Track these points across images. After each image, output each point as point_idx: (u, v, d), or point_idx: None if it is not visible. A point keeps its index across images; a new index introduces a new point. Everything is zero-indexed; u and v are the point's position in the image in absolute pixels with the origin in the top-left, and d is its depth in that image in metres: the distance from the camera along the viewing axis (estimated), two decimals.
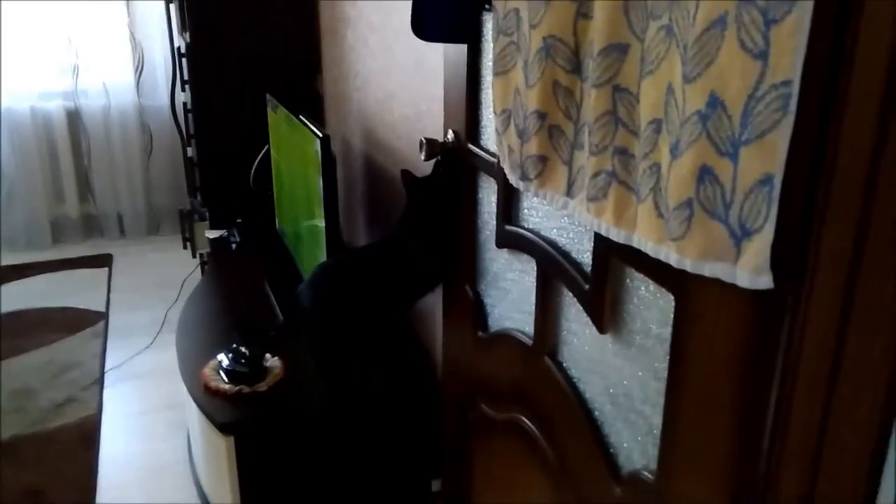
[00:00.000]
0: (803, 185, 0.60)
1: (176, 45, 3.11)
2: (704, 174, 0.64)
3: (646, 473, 0.89)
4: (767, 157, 0.59)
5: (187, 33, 2.84)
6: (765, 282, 0.62)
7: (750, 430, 0.69)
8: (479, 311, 1.39)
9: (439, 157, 1.47)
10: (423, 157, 1.47)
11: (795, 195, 0.60)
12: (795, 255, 0.61)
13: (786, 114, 0.58)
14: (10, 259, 3.62)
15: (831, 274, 0.61)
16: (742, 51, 0.59)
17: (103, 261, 3.64)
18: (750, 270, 0.62)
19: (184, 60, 2.94)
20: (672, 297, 0.80)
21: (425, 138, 1.44)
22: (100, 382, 2.59)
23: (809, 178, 0.60)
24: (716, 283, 0.66)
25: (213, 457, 1.87)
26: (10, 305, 3.13)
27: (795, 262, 0.62)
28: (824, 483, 0.66)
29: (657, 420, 0.86)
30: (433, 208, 1.55)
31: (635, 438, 0.93)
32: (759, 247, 0.61)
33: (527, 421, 1.21)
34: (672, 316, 0.80)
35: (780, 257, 0.61)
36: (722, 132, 0.62)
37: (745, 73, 0.59)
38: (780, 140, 0.58)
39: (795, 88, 0.57)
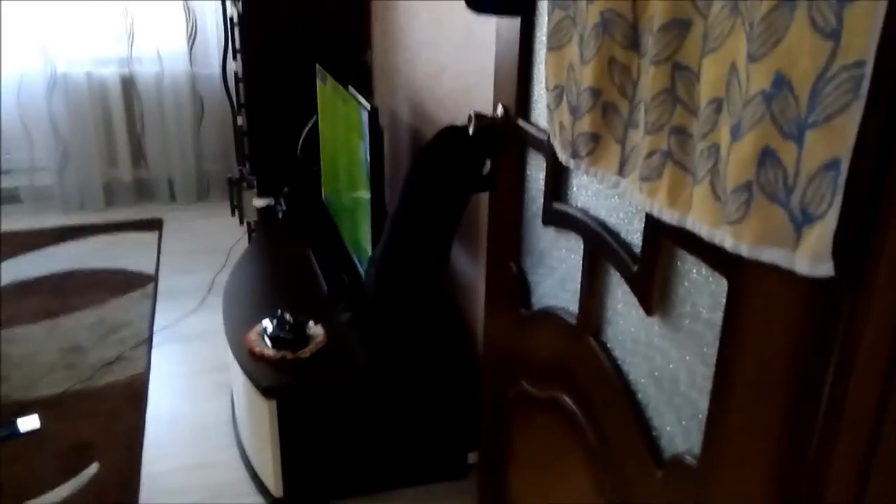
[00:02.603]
0: (870, 171, 0.58)
1: (228, 14, 3.13)
2: (766, 157, 0.62)
3: (688, 458, 0.89)
4: (835, 141, 0.57)
5: (240, 3, 2.85)
6: (825, 269, 0.60)
7: (800, 421, 0.68)
8: (522, 288, 1.39)
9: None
10: (470, 132, 1.46)
11: (861, 181, 0.58)
12: (858, 243, 0.60)
13: (856, 96, 0.56)
14: (64, 220, 3.72)
15: (895, 264, 0.59)
16: (812, 29, 0.57)
17: (154, 225, 3.72)
18: (810, 257, 0.60)
19: (236, 30, 2.96)
20: (725, 282, 0.78)
21: (474, 112, 1.43)
22: (148, 343, 2.66)
23: (877, 164, 0.58)
24: (772, 269, 0.64)
25: (256, 419, 1.91)
26: (63, 265, 3.23)
27: (857, 250, 0.60)
28: (877, 480, 0.64)
29: (703, 405, 0.85)
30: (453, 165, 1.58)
31: (679, 422, 0.93)
32: (821, 233, 0.59)
33: (567, 400, 1.21)
34: (724, 301, 0.78)
35: (842, 245, 0.59)
36: (787, 114, 0.60)
37: (814, 53, 0.57)
38: (850, 123, 0.56)
39: (868, 70, 0.55)
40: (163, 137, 3.94)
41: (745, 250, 0.66)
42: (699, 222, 0.74)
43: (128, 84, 3.84)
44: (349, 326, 2.00)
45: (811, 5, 0.57)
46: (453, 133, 1.59)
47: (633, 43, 0.86)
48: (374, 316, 1.85)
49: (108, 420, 2.24)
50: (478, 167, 1.57)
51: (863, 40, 0.55)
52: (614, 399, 1.05)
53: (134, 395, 2.37)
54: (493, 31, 1.41)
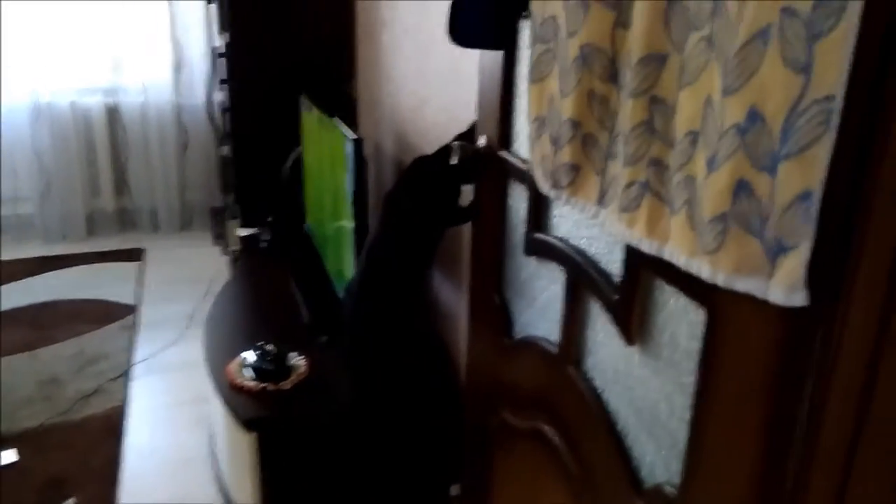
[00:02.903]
0: (843, 201, 0.59)
1: (214, 45, 3.16)
2: (741, 188, 0.63)
3: (668, 488, 0.88)
4: (807, 173, 0.58)
5: (226, 34, 2.88)
6: (799, 299, 0.61)
7: (778, 450, 0.68)
8: (504, 318, 1.39)
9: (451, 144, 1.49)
10: (453, 162, 1.47)
11: (834, 212, 0.59)
12: (832, 272, 0.60)
13: (827, 129, 0.57)
14: (46, 250, 3.69)
15: (869, 293, 0.59)
16: (784, 65, 0.59)
17: (136, 254, 3.70)
18: (784, 287, 0.61)
19: (222, 60, 2.98)
20: (703, 311, 0.79)
21: (458, 143, 1.44)
22: (126, 375, 2.62)
23: (849, 195, 0.59)
24: (748, 298, 0.65)
25: (236, 452, 1.88)
26: (44, 296, 3.19)
27: (832, 279, 0.61)
28: None
29: (682, 434, 0.85)
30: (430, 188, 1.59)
31: (659, 452, 0.92)
32: (795, 263, 0.60)
33: (549, 430, 1.20)
34: (702, 330, 0.79)
35: (816, 274, 0.60)
36: (761, 146, 0.61)
37: (787, 88, 0.59)
38: (821, 155, 0.58)
39: (838, 104, 0.56)
40: (146, 167, 3.94)
41: (721, 280, 0.67)
42: (677, 252, 0.75)
43: (112, 114, 3.84)
44: (326, 348, 1.98)
45: (783, 41, 0.59)
46: (425, 163, 1.60)
47: (612, 76, 0.88)
48: (351, 345, 1.84)
49: (85, 453, 2.20)
50: (453, 196, 1.57)
51: (832, 75, 0.56)
52: (595, 429, 1.05)
53: (112, 427, 2.33)
54: (476, 64, 1.43)
